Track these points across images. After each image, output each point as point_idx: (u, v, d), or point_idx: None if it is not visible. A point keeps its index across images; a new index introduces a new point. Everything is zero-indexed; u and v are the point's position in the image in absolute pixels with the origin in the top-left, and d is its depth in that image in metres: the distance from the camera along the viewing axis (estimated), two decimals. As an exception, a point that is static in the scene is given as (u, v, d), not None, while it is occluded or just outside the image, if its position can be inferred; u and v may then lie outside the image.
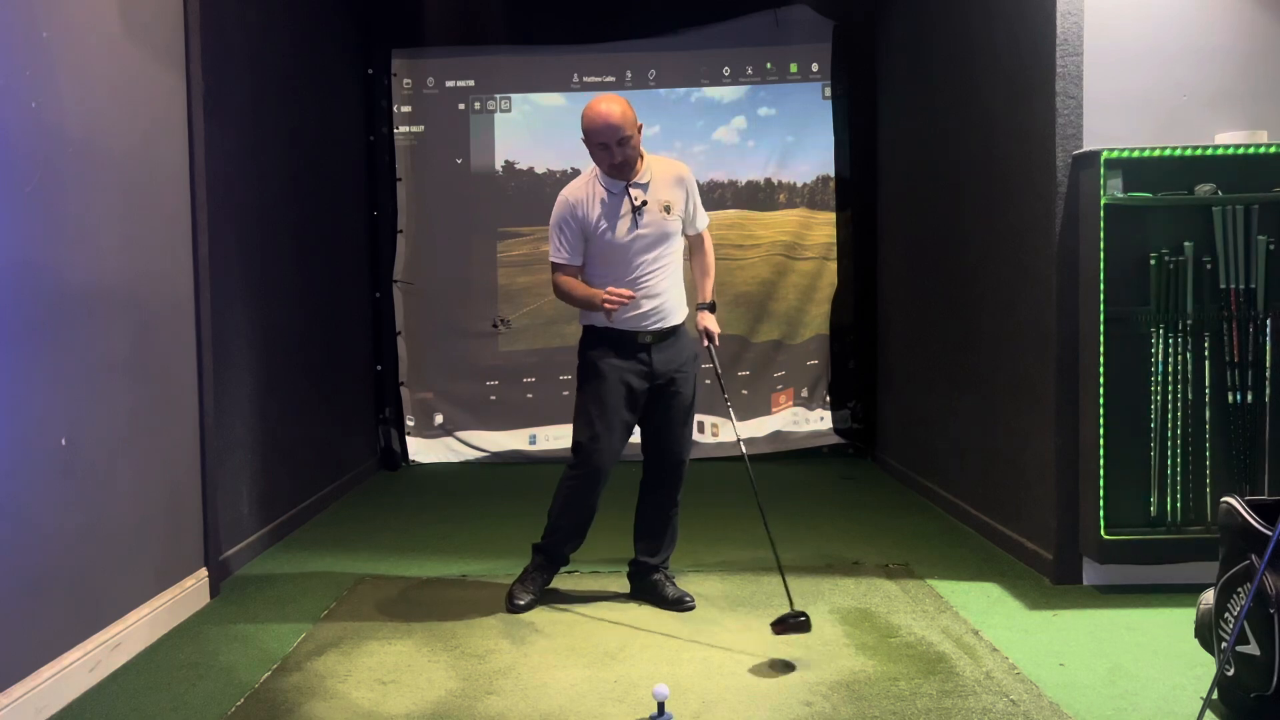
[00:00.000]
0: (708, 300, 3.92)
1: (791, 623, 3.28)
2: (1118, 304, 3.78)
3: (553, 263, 3.78)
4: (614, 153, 3.61)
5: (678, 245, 3.81)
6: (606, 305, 3.55)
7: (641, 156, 3.72)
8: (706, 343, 3.85)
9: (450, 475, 6.57)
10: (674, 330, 3.78)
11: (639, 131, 3.65)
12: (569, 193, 3.75)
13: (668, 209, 3.72)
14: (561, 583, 4.02)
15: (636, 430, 3.85)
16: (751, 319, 6.92)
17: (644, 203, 3.69)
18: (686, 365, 3.80)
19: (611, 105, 3.61)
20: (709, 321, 3.87)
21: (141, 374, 3.50)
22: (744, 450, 3.78)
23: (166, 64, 3.73)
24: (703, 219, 3.91)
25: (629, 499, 3.92)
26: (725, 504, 5.35)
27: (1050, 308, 4.00)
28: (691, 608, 3.75)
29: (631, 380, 3.72)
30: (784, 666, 3.20)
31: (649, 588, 3.85)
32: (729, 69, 6.85)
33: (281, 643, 3.49)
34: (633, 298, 3.60)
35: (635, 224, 3.68)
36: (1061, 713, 2.85)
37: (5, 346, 2.76)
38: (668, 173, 3.77)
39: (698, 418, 6.91)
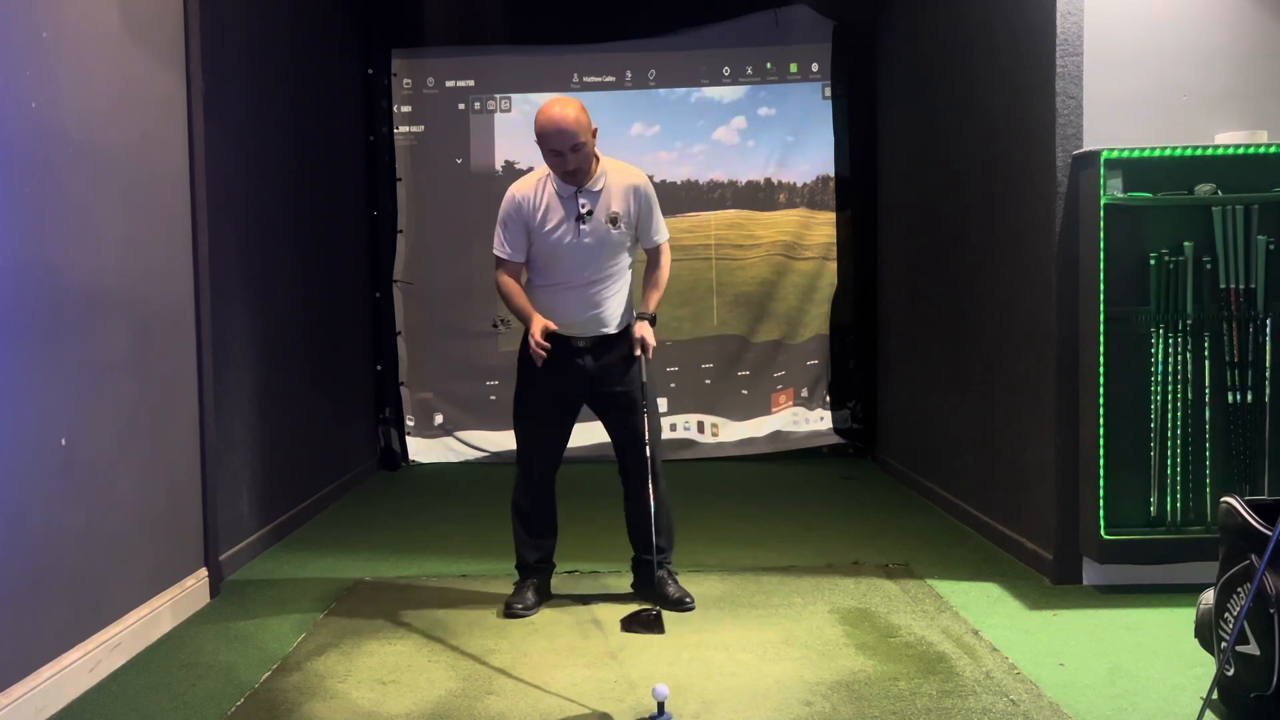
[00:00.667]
0: (650, 311, 3.77)
1: (644, 617, 3.32)
2: (1118, 304, 3.78)
3: (495, 256, 3.74)
4: (566, 159, 3.55)
5: (624, 258, 3.74)
6: (532, 350, 3.53)
7: (597, 159, 3.66)
8: (639, 352, 3.70)
9: (450, 475, 6.57)
10: (612, 337, 3.74)
11: (594, 136, 3.59)
12: (517, 189, 3.70)
13: (614, 220, 3.66)
14: (561, 583, 4.02)
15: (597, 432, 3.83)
16: (751, 319, 6.92)
17: (589, 211, 3.63)
18: (626, 358, 3.73)
19: (565, 109, 3.53)
20: (645, 331, 3.71)
21: (141, 374, 3.50)
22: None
23: (166, 64, 3.73)
24: (660, 233, 3.81)
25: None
26: (725, 504, 5.35)
27: (1050, 308, 3.99)
28: (690, 608, 3.75)
29: (563, 388, 3.71)
30: (784, 666, 3.20)
31: (650, 585, 3.84)
32: (729, 69, 6.85)
33: (281, 643, 3.49)
34: (548, 350, 3.54)
35: (579, 232, 3.64)
36: (1061, 713, 2.85)
37: (5, 346, 2.76)
38: (622, 182, 3.70)
39: (696, 417, 6.97)
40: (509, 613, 3.72)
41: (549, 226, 3.64)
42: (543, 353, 3.53)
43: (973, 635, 3.46)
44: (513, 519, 3.87)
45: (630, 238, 3.75)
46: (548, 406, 3.75)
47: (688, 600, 3.77)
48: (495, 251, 3.73)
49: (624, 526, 3.92)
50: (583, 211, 3.63)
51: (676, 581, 3.86)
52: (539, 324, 3.56)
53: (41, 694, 2.87)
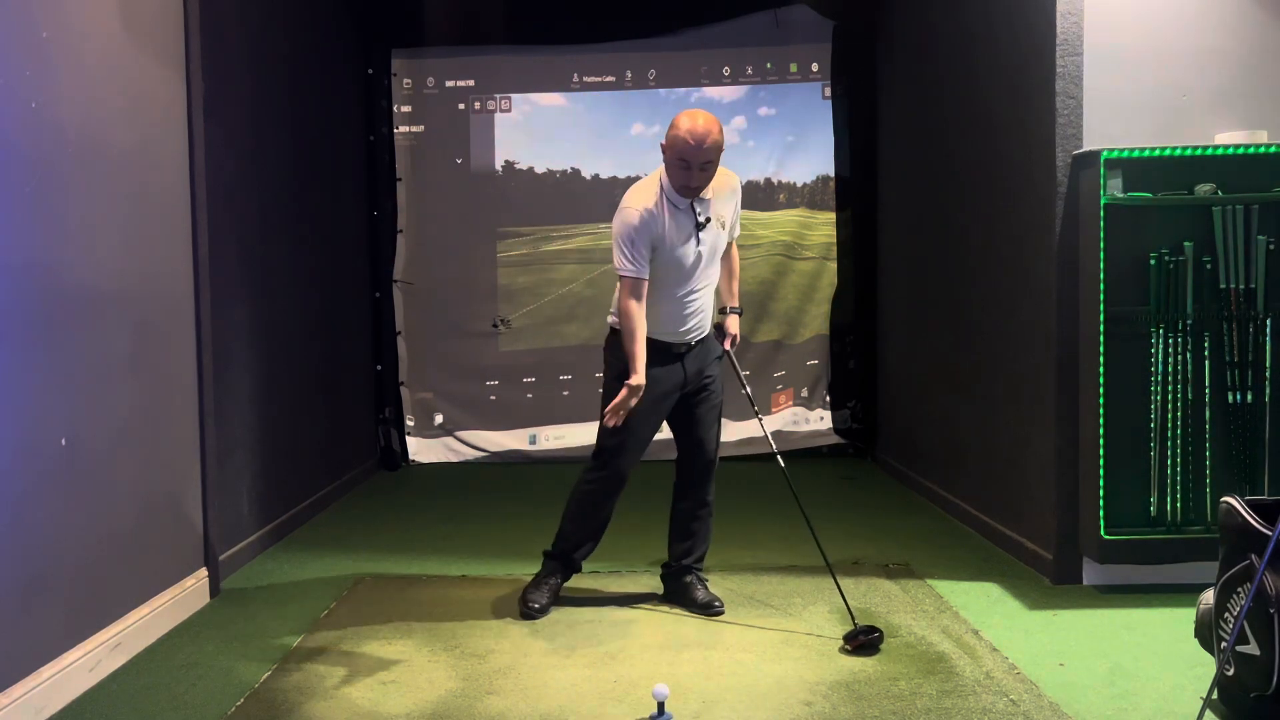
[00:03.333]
0: (737, 305, 3.91)
1: (864, 640, 3.29)
2: (1118, 304, 3.78)
3: (626, 277, 3.55)
4: (693, 175, 3.50)
5: (720, 260, 3.78)
6: (624, 408, 3.53)
7: None
8: (729, 344, 3.85)
9: (450, 475, 6.57)
10: (705, 338, 3.78)
11: (720, 157, 3.55)
12: (639, 204, 3.55)
13: (722, 224, 3.68)
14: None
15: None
16: (751, 319, 6.91)
17: (708, 219, 3.62)
18: (714, 367, 3.80)
19: (711, 126, 3.45)
20: (735, 326, 3.88)
21: (141, 374, 3.50)
22: (774, 448, 3.85)
23: (166, 64, 3.73)
24: (738, 227, 3.86)
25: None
26: (725, 504, 5.34)
27: (1050, 308, 4.00)
28: (720, 612, 3.71)
29: (666, 388, 3.70)
30: (784, 666, 3.20)
31: (680, 589, 3.82)
32: (729, 69, 6.85)
33: (281, 643, 3.49)
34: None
35: (698, 241, 3.61)
36: (1061, 713, 2.85)
37: (5, 346, 2.76)
38: (724, 185, 3.68)
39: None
40: (525, 610, 3.70)
41: (675, 241, 3.58)
42: (631, 415, 3.56)
43: (973, 635, 3.46)
44: (573, 510, 3.79)
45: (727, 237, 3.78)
46: (647, 410, 3.68)
47: (717, 604, 3.74)
48: (623, 272, 3.55)
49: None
50: (700, 221, 3.60)
51: (706, 585, 3.83)
52: (639, 381, 3.54)
53: (41, 694, 2.87)
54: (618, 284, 3.69)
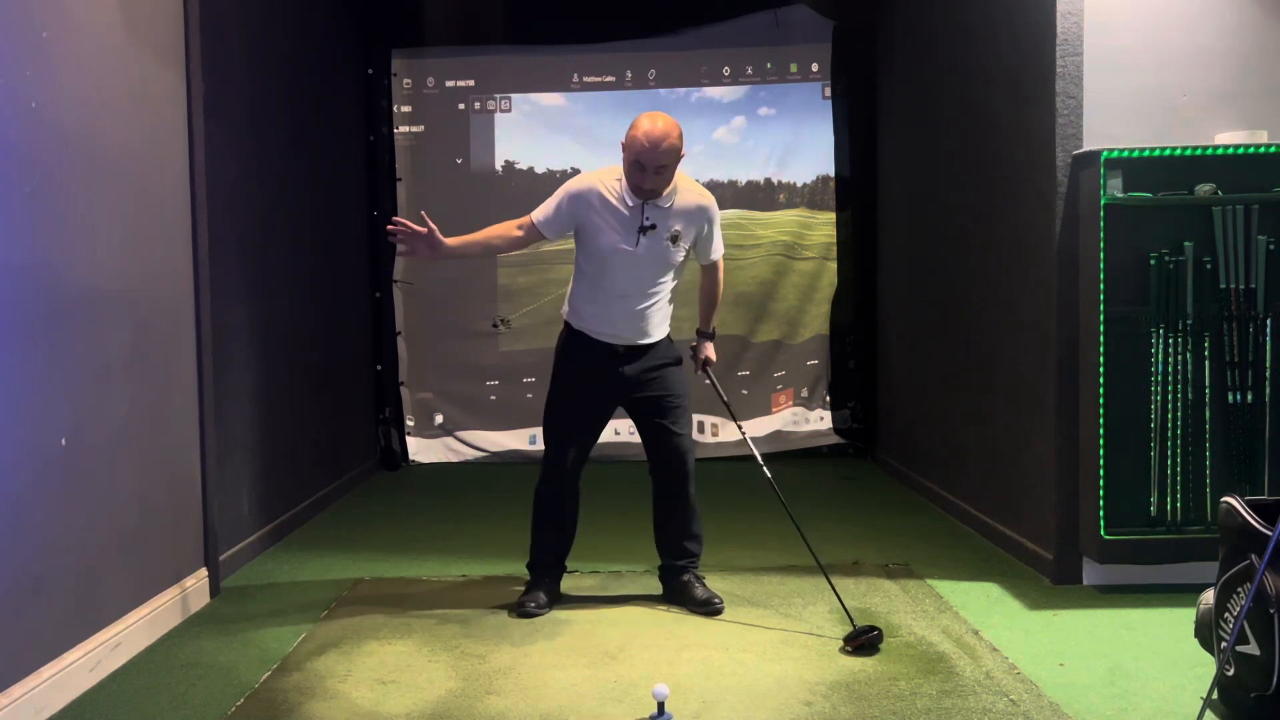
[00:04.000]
0: (709, 330, 3.92)
1: (864, 640, 3.30)
2: (1118, 304, 3.78)
3: (528, 216, 3.69)
4: (646, 177, 3.52)
5: (673, 274, 3.74)
6: (393, 230, 3.56)
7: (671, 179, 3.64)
8: (701, 371, 3.89)
9: (450, 475, 6.57)
10: (650, 345, 3.76)
11: (677, 162, 3.56)
12: (592, 179, 3.65)
13: (675, 239, 3.65)
14: (562, 583, 4.01)
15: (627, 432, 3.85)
16: (751, 319, 6.92)
17: (652, 226, 3.61)
18: (663, 363, 3.76)
19: (668, 130, 3.47)
20: (709, 351, 3.91)
21: (141, 374, 3.50)
22: (755, 450, 3.84)
23: (166, 64, 3.73)
24: (718, 250, 3.83)
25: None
26: (725, 504, 5.35)
27: (1050, 308, 4.00)
28: (720, 611, 3.71)
29: (601, 387, 3.72)
30: (784, 666, 3.20)
31: (679, 589, 3.82)
32: (729, 69, 6.85)
33: (281, 643, 3.49)
34: (398, 230, 3.56)
35: (636, 243, 3.61)
36: (1061, 713, 2.85)
37: (5, 346, 2.76)
38: (690, 202, 3.67)
39: (697, 418, 6.96)
40: (522, 611, 3.70)
41: (602, 230, 3.60)
42: (399, 230, 3.57)
43: (973, 635, 3.46)
44: (534, 517, 3.84)
45: (686, 256, 3.74)
46: (584, 406, 3.74)
47: (716, 602, 3.73)
48: (533, 215, 3.67)
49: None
50: (645, 224, 3.60)
51: (704, 584, 3.83)
52: (444, 241, 3.61)
53: (42, 694, 2.87)
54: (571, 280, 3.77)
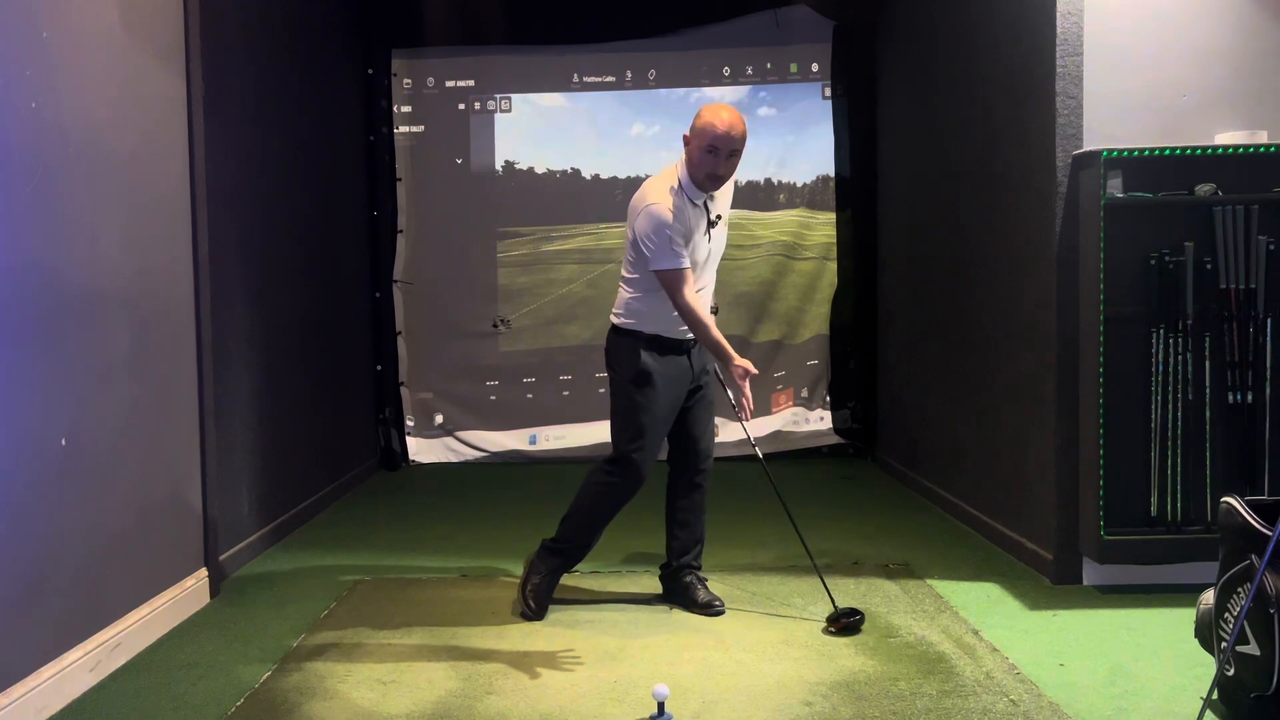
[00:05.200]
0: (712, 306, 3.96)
1: (846, 622, 3.39)
2: (1118, 304, 3.78)
3: (672, 271, 3.50)
4: (720, 163, 3.51)
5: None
6: (738, 371, 3.54)
7: None
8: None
9: (450, 475, 6.57)
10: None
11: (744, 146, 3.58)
12: (665, 199, 3.52)
13: (721, 222, 3.71)
14: (562, 582, 4.01)
15: None
16: (751, 319, 6.92)
17: (718, 217, 3.66)
18: (710, 362, 3.82)
19: (738, 115, 3.52)
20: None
21: (141, 374, 3.50)
22: (758, 452, 3.85)
23: (166, 64, 3.73)
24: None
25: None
26: (725, 504, 5.34)
27: (1050, 308, 4.00)
28: (721, 612, 3.71)
29: (679, 387, 3.72)
30: (784, 666, 3.20)
31: (681, 589, 3.81)
32: (729, 69, 6.85)
33: (281, 643, 3.49)
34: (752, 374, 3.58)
35: (709, 237, 3.64)
36: (1061, 713, 2.85)
37: (5, 346, 2.76)
38: (727, 184, 3.70)
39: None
40: (525, 611, 3.68)
41: (696, 236, 3.60)
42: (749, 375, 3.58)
43: (973, 635, 3.46)
44: (595, 506, 3.72)
45: None
46: (670, 404, 3.71)
47: (717, 604, 3.73)
48: (672, 265, 3.49)
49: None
50: (712, 218, 3.63)
51: (706, 585, 3.82)
52: (743, 361, 3.58)
53: (42, 694, 2.87)
54: (620, 286, 3.72)
